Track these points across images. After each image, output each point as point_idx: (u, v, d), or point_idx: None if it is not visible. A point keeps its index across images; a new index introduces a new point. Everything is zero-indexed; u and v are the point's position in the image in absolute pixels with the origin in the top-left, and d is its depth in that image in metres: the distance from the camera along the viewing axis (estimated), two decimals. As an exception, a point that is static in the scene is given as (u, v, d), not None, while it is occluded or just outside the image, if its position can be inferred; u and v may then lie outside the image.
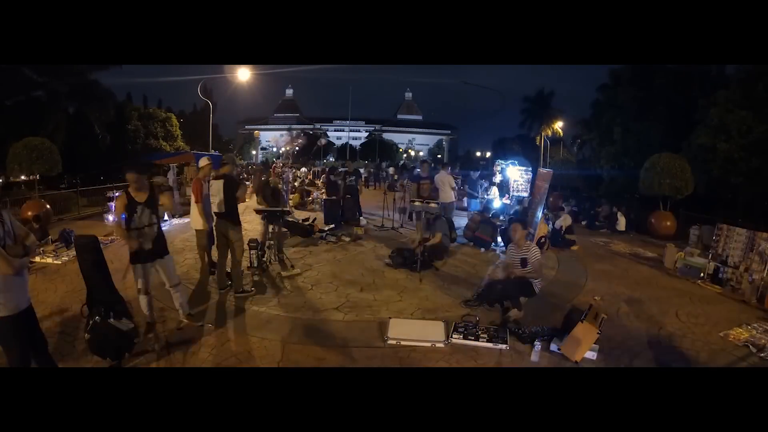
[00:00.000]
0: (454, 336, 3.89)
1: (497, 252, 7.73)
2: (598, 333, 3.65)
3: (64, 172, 13.47)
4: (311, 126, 78.19)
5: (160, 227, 3.77)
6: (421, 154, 76.96)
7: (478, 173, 14.73)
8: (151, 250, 3.69)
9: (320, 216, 9.69)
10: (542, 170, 9.18)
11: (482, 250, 7.70)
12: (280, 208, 6.53)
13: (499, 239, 8.22)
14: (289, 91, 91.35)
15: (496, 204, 10.82)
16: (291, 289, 5.19)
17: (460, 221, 9.48)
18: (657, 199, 10.77)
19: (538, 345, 3.66)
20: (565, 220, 8.74)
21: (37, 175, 10.10)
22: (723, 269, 6.25)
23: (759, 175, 11.07)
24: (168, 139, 23.38)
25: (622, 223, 10.87)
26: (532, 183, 10.19)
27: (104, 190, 11.40)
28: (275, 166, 18.04)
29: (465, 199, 12.95)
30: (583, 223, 11.70)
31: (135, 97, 27.71)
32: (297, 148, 43.04)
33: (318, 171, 23.62)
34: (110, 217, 9.08)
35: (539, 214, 7.90)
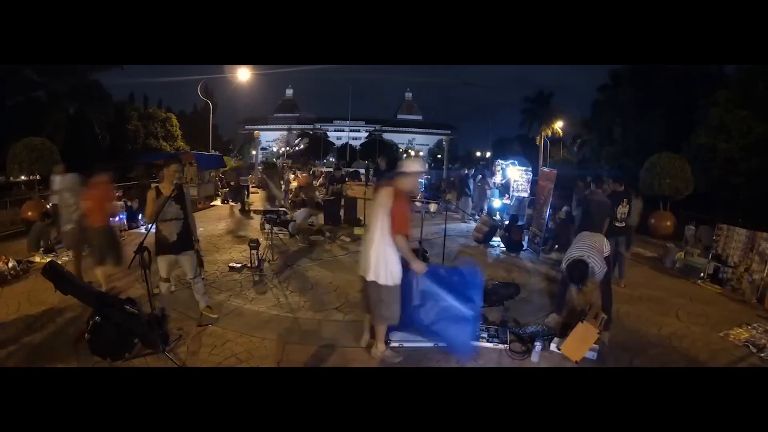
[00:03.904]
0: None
1: (496, 251, 7.74)
2: (598, 333, 3.65)
3: (64, 172, 13.44)
4: (311, 126, 78.16)
5: (187, 223, 3.93)
6: (421, 154, 76.91)
7: (472, 171, 14.01)
8: (176, 242, 3.86)
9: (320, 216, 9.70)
10: (545, 169, 9.16)
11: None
12: (276, 209, 6.57)
13: (497, 239, 8.23)
14: (289, 91, 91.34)
15: (496, 204, 10.82)
16: (291, 289, 5.19)
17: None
18: (657, 199, 10.77)
19: (538, 345, 3.66)
20: None
21: (37, 176, 10.11)
22: (723, 269, 6.26)
23: (759, 175, 11.07)
24: (168, 139, 23.40)
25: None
26: (534, 183, 10.20)
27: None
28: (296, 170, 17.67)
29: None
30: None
31: (136, 98, 27.74)
32: (299, 148, 42.93)
33: (317, 171, 23.52)
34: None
35: (546, 214, 7.89)
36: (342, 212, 9.66)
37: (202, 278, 4.35)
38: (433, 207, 12.25)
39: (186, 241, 3.93)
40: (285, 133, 65.75)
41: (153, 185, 4.00)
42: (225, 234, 8.52)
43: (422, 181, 16.28)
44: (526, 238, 8.17)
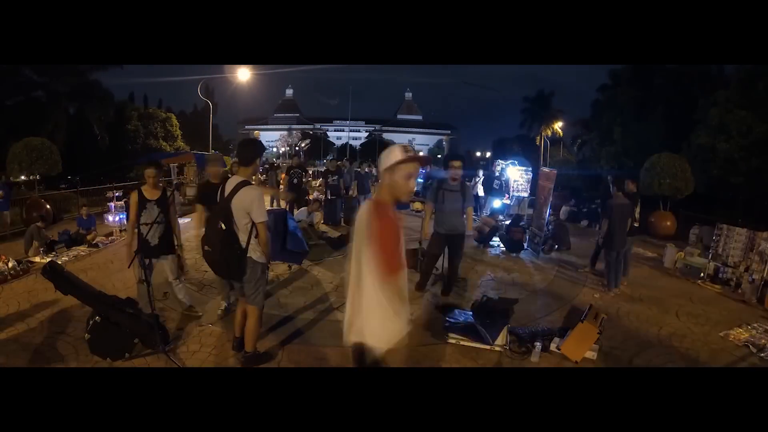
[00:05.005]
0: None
1: (496, 251, 7.74)
2: (598, 333, 3.65)
3: (64, 172, 13.46)
4: (311, 126, 78.20)
5: (169, 225, 3.90)
6: (421, 154, 76.78)
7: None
8: (157, 245, 3.83)
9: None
10: (545, 169, 9.16)
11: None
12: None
13: (497, 239, 8.23)
14: (289, 91, 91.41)
15: (496, 204, 10.82)
16: (291, 289, 5.19)
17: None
18: (657, 199, 10.78)
19: (538, 345, 3.66)
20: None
21: (37, 175, 10.11)
22: (723, 269, 6.26)
23: (759, 175, 11.08)
24: (168, 139, 23.39)
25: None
26: (534, 183, 10.20)
27: (104, 190, 11.40)
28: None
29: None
30: (583, 223, 11.70)
31: (136, 98, 27.76)
32: (303, 149, 42.80)
33: (318, 171, 23.45)
34: (110, 217, 9.08)
35: (546, 214, 7.90)
36: (342, 212, 9.66)
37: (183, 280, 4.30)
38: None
39: (167, 244, 3.92)
40: (285, 133, 65.77)
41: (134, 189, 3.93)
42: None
43: (420, 179, 16.11)
44: (527, 238, 8.17)
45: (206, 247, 3.03)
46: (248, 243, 2.98)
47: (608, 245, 5.52)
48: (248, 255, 3.01)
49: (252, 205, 2.90)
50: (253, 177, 3.34)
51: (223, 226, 2.90)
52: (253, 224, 2.95)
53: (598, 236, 5.59)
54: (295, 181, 9.48)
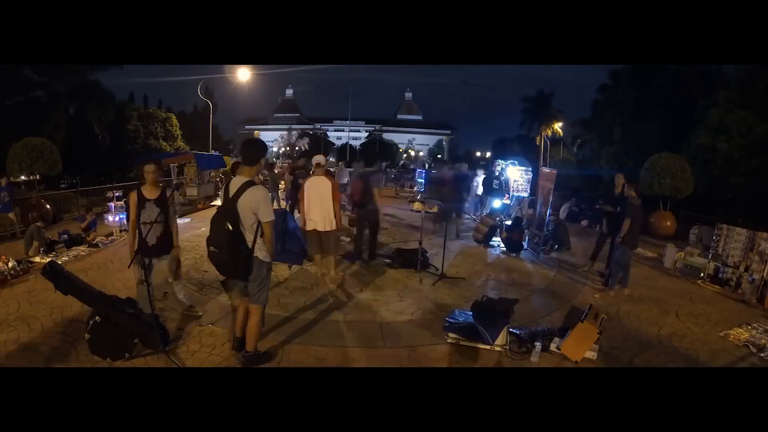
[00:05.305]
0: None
1: (497, 251, 7.73)
2: (598, 333, 3.65)
3: (64, 172, 13.48)
4: (311, 126, 78.21)
5: (168, 225, 3.88)
6: (421, 154, 76.93)
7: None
8: (155, 245, 3.80)
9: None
10: (545, 169, 9.14)
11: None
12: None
13: (498, 239, 8.23)
14: (289, 91, 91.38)
15: (496, 204, 10.82)
16: (291, 289, 5.19)
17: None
18: (657, 199, 10.77)
19: (538, 345, 3.66)
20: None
21: (37, 175, 10.12)
22: (723, 269, 6.26)
23: (759, 175, 11.09)
24: (168, 139, 23.40)
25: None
26: (534, 183, 10.20)
27: (104, 190, 11.40)
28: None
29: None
30: (583, 223, 11.70)
31: (136, 98, 27.79)
32: (299, 148, 42.88)
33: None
34: (110, 217, 9.07)
35: (546, 215, 7.90)
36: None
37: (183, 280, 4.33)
38: (434, 209, 12.24)
39: (167, 243, 3.90)
40: (285, 133, 65.78)
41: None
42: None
43: (421, 180, 16.22)
44: (527, 238, 8.17)
45: (212, 248, 2.99)
46: (254, 242, 2.99)
47: (631, 244, 5.60)
48: (254, 255, 3.02)
49: (259, 205, 2.91)
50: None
51: (230, 226, 2.89)
52: (259, 223, 2.96)
53: (617, 236, 5.58)
54: (300, 181, 9.52)
